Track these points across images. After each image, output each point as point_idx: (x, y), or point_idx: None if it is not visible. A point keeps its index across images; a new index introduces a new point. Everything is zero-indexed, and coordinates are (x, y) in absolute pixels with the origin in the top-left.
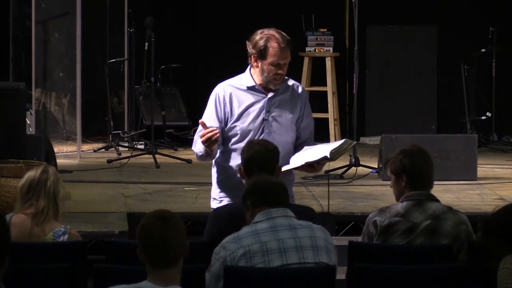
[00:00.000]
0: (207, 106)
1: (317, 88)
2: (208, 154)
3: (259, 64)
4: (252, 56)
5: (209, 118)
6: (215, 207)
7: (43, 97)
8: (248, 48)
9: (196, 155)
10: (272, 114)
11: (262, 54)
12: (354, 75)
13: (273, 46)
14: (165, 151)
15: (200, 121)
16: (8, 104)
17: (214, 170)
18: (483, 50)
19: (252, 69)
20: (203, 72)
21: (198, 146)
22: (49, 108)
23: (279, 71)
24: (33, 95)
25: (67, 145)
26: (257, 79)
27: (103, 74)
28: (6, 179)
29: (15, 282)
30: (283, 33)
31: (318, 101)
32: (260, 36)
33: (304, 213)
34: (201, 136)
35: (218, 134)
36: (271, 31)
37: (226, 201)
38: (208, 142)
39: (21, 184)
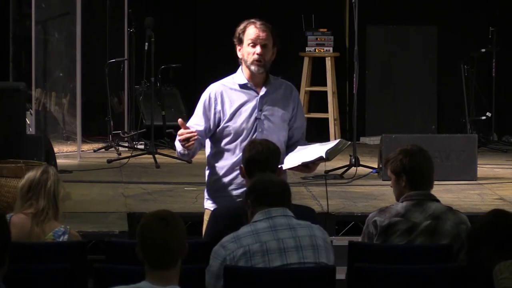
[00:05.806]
0: (197, 105)
1: (317, 88)
2: (184, 153)
3: (241, 51)
4: (236, 48)
5: (197, 117)
6: (208, 207)
7: (43, 97)
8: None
9: (176, 150)
10: (264, 113)
11: (240, 38)
12: (354, 75)
13: (249, 27)
14: (165, 151)
15: (179, 120)
16: (8, 104)
17: (207, 170)
18: (483, 50)
19: (241, 66)
20: (203, 72)
21: (176, 143)
22: (49, 108)
23: (257, 52)
24: (33, 95)
25: (67, 145)
26: (246, 73)
27: (103, 74)
28: (6, 179)
29: (15, 282)
30: (264, 21)
31: (318, 101)
32: (240, 26)
33: (304, 213)
34: (179, 135)
35: (196, 137)
36: (252, 19)
37: (219, 201)
38: (185, 143)
39: (21, 184)
